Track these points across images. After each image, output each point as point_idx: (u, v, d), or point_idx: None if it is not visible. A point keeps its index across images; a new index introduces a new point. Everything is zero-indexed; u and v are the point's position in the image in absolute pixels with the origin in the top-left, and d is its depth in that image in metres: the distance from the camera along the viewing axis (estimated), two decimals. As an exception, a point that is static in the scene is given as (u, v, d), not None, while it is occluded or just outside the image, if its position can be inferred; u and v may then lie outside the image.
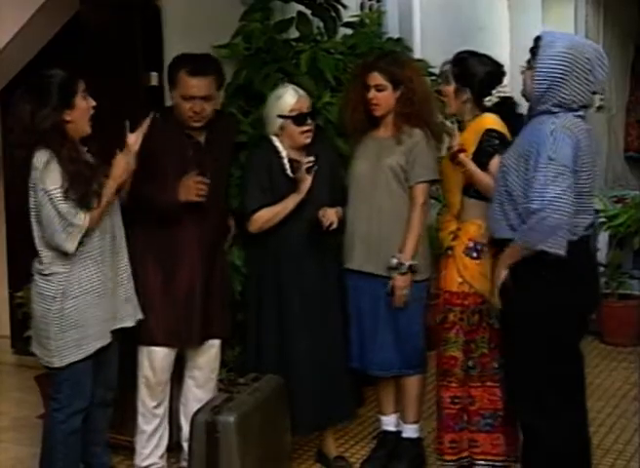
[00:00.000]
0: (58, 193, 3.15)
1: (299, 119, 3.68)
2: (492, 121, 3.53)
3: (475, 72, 3.54)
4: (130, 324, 3.47)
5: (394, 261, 3.61)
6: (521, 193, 3.08)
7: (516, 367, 3.23)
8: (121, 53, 4.00)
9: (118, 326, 3.42)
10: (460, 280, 3.55)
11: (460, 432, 3.59)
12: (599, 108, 6.55)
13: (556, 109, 3.07)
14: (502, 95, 3.57)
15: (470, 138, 3.52)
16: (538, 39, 3.15)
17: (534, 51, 3.15)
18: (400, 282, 3.63)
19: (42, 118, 3.17)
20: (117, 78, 3.92)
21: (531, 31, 5.51)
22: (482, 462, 3.56)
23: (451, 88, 3.58)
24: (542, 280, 3.08)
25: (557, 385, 3.15)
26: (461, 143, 3.50)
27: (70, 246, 3.20)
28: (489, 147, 3.47)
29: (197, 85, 3.55)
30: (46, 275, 3.26)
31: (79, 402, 3.34)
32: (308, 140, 3.72)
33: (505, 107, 3.58)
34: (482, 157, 3.48)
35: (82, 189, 3.19)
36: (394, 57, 3.93)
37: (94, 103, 3.31)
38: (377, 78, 3.69)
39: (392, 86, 3.68)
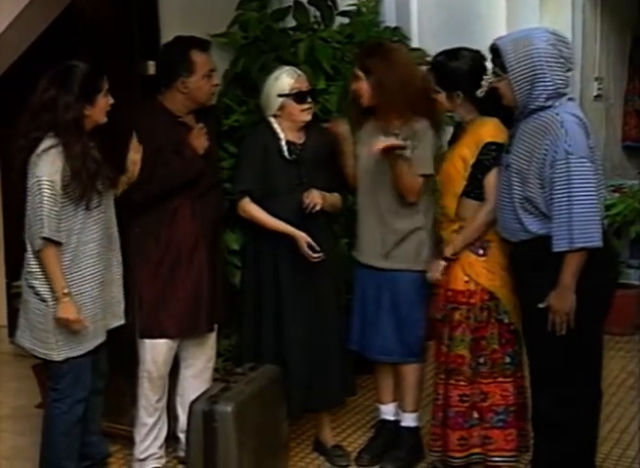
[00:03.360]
0: (47, 184, 3.10)
1: (299, 97, 3.68)
2: (492, 131, 3.43)
3: (458, 73, 3.45)
4: (119, 323, 3.46)
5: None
6: (539, 193, 3.07)
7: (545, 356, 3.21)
8: (117, 41, 3.98)
9: (111, 325, 3.42)
10: (465, 278, 3.47)
11: (470, 429, 3.52)
12: (597, 97, 6.53)
13: (549, 102, 3.08)
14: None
15: (471, 150, 3.44)
16: (495, 50, 3.16)
17: (496, 61, 3.17)
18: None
19: (65, 107, 3.13)
20: (113, 67, 3.90)
21: (528, 20, 5.52)
22: (497, 458, 3.50)
23: (442, 95, 3.50)
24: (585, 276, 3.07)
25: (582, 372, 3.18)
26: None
27: (45, 235, 3.12)
28: (486, 161, 3.41)
29: (210, 58, 3.65)
30: (43, 277, 3.22)
31: (80, 391, 3.34)
32: (309, 117, 3.72)
33: (497, 94, 3.52)
34: (480, 171, 3.42)
35: (83, 186, 3.16)
36: (370, 45, 3.90)
37: (112, 101, 3.29)
38: (354, 67, 3.70)
39: (365, 75, 3.63)
